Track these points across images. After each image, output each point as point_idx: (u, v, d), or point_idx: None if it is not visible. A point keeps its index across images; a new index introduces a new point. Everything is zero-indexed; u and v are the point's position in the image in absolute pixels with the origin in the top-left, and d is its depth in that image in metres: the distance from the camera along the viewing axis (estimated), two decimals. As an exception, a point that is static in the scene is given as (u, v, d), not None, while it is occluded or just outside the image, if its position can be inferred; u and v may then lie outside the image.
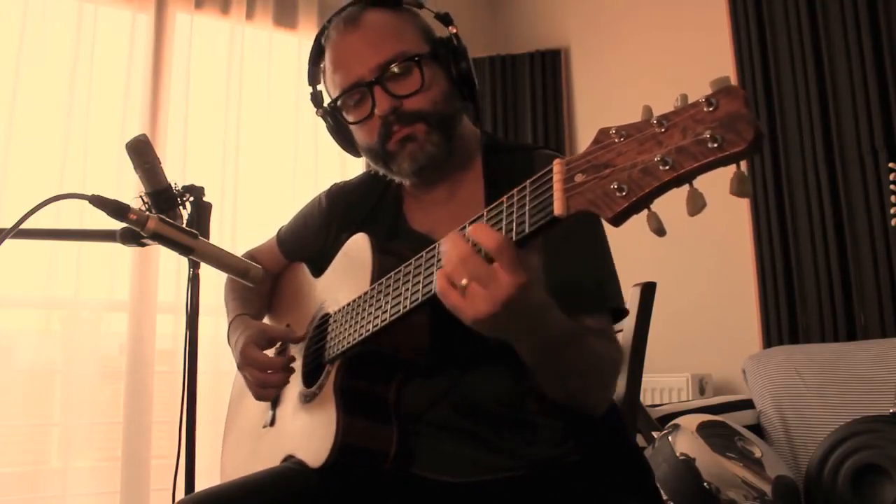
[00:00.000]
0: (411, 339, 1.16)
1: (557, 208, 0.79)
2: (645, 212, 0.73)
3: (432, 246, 1.00)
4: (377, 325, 1.10)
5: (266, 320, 1.59)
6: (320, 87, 1.40)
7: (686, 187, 0.69)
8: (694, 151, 0.68)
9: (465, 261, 0.86)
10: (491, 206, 0.90)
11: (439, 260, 0.97)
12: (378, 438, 1.16)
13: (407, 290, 1.04)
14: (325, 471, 1.15)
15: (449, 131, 1.26)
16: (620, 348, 1.26)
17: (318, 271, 1.44)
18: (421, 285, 1.00)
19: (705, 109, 0.68)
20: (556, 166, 0.81)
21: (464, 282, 0.86)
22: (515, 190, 0.87)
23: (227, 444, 1.59)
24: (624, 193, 0.72)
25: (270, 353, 1.41)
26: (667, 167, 0.69)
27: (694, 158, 0.68)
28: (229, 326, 1.49)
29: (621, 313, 1.24)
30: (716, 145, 0.66)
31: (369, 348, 1.16)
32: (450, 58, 1.28)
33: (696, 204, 0.69)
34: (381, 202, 1.41)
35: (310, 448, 1.20)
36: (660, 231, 0.71)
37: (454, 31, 1.31)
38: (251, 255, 1.60)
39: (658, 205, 0.74)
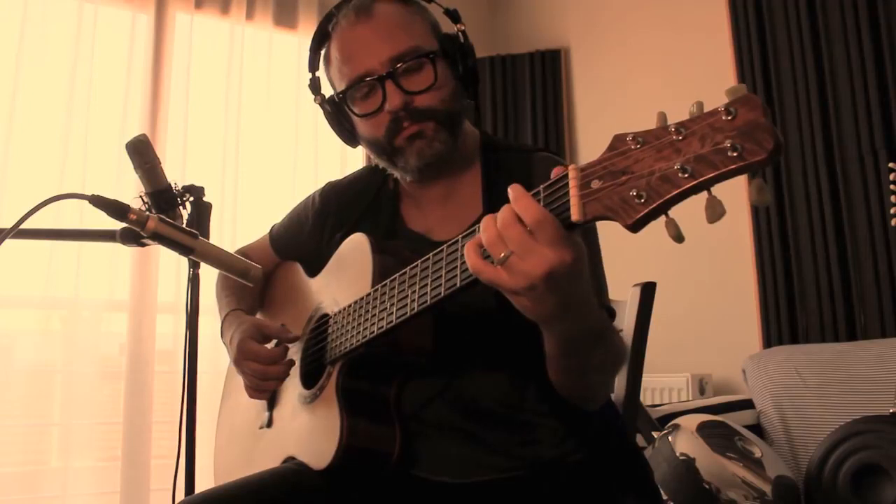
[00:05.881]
0: (415, 340, 1.16)
1: (574, 214, 0.79)
2: (662, 218, 0.72)
3: (439, 248, 1.00)
4: (382, 327, 1.09)
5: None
6: (319, 73, 1.38)
7: (704, 194, 0.69)
8: (713, 160, 0.67)
9: (506, 228, 0.83)
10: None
11: (449, 262, 0.97)
12: (381, 439, 1.17)
13: (413, 292, 1.03)
14: (327, 472, 1.15)
15: (455, 129, 1.27)
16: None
17: (312, 271, 1.43)
18: (429, 288, 1.00)
19: (724, 118, 0.67)
20: (572, 172, 0.80)
21: (502, 254, 0.82)
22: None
23: (219, 442, 1.58)
24: (643, 200, 0.72)
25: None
26: (686, 175, 0.69)
27: (713, 167, 0.67)
28: (223, 322, 1.49)
29: (611, 315, 1.24)
30: (736, 154, 0.66)
31: (372, 350, 1.15)
32: (457, 55, 1.28)
33: (716, 211, 0.68)
34: (377, 201, 1.40)
35: (312, 450, 1.20)
36: (678, 238, 0.71)
37: (462, 27, 1.31)
38: (243, 252, 1.59)
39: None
